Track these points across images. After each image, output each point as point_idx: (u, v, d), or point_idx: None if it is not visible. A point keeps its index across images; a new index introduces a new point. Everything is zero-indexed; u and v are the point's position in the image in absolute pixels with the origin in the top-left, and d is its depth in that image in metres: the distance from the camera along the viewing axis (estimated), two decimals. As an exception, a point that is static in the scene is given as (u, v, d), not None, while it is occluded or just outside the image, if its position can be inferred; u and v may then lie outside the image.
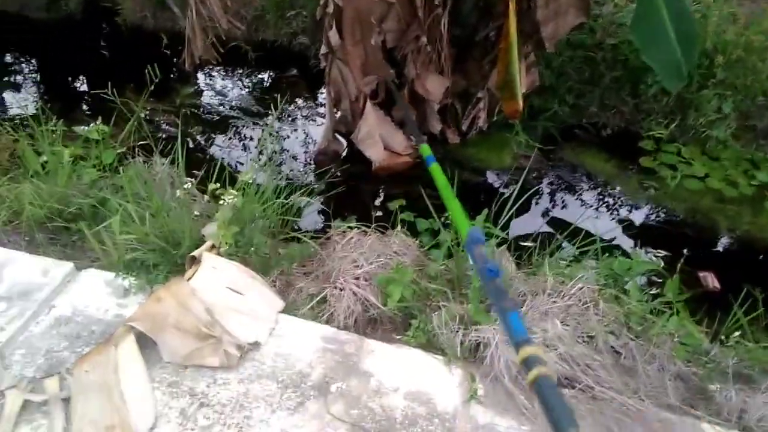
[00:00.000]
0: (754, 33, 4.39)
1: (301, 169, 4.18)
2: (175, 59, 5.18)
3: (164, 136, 4.19)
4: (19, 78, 5.48)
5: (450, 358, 2.22)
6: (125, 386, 1.97)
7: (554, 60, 4.54)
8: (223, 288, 2.36)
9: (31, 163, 2.98)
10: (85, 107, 4.90)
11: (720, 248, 3.83)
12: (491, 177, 4.24)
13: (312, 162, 4.23)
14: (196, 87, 5.35)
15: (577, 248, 2.87)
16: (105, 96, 3.04)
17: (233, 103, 5.04)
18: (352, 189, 3.76)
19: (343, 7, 3.46)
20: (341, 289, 2.45)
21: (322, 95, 5.09)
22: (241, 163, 4.20)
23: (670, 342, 2.31)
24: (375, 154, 3.87)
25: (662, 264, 2.81)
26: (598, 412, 2.09)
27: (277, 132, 4.55)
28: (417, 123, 4.04)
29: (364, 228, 2.82)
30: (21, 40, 6.09)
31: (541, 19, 3.58)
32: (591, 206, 4.02)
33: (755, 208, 3.94)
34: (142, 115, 3.44)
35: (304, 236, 2.77)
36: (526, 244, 3.01)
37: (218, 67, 5.49)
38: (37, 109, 3.22)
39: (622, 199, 4.12)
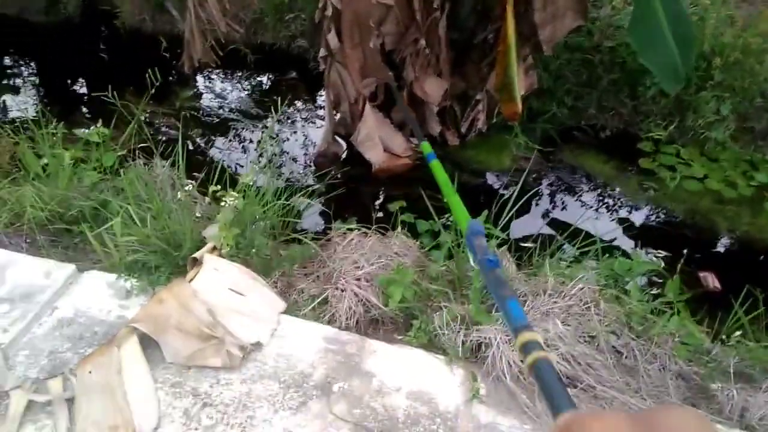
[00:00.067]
0: (751, 35, 4.41)
1: (301, 171, 4.19)
2: (174, 62, 5.19)
3: (164, 138, 4.20)
4: (18, 81, 5.48)
5: (452, 358, 2.22)
6: (128, 387, 1.97)
7: (552, 63, 4.56)
8: (225, 289, 2.37)
9: (32, 165, 2.98)
10: (84, 110, 4.91)
11: (720, 248, 3.85)
12: (491, 178, 4.26)
13: (312, 164, 4.24)
14: (195, 90, 5.36)
15: (578, 249, 2.88)
16: (105, 99, 3.05)
17: (233, 106, 5.05)
18: (352, 191, 3.77)
19: (341, 10, 3.48)
20: (342, 290, 2.45)
21: (322, 98, 5.10)
22: (242, 166, 4.21)
23: (671, 341, 2.32)
24: (374, 156, 3.88)
25: (662, 264, 2.82)
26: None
27: (276, 134, 4.56)
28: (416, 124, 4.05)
29: (364, 229, 2.83)
30: (20, 43, 6.10)
31: (538, 22, 3.59)
32: (591, 207, 4.04)
33: (754, 209, 3.95)
34: (142, 118, 3.44)
35: (305, 238, 2.77)
36: (526, 245, 3.02)
37: (217, 70, 5.50)
38: (37, 112, 3.22)
39: (621, 200, 4.13)
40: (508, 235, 2.99)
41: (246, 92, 5.39)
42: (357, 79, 3.75)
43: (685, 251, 2.68)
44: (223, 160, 4.21)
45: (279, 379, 2.08)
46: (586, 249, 2.83)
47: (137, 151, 3.23)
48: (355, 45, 3.62)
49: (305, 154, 4.41)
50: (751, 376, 2.28)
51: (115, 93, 3.04)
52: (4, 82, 5.38)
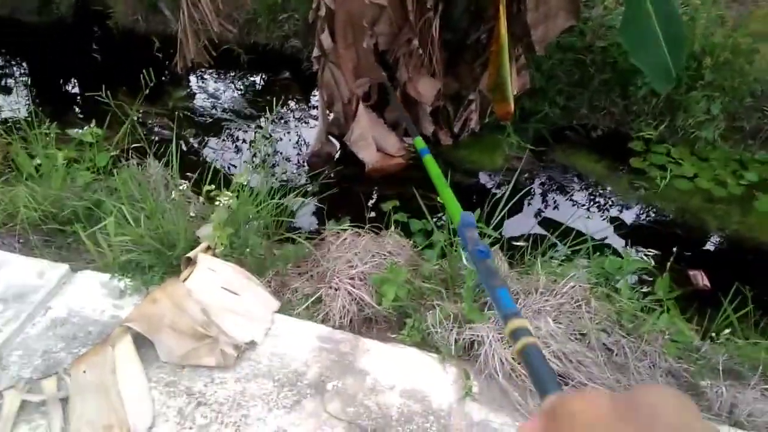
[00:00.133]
0: (741, 36, 4.46)
1: (295, 171, 4.20)
2: (167, 62, 5.18)
3: (158, 138, 4.20)
4: (11, 81, 5.46)
5: (444, 357, 2.24)
6: (123, 386, 1.98)
7: (545, 63, 4.59)
8: (219, 289, 2.38)
9: (25, 166, 2.98)
10: (78, 110, 4.90)
11: (709, 247, 3.89)
12: (483, 178, 4.28)
13: (305, 164, 4.25)
14: (188, 90, 5.36)
15: (569, 248, 2.90)
16: (98, 99, 3.05)
17: (226, 106, 5.05)
18: (346, 190, 3.78)
19: (335, 11, 3.49)
20: (336, 289, 2.47)
21: (315, 98, 5.11)
22: (235, 166, 4.21)
23: (661, 339, 2.35)
24: (368, 155, 3.89)
25: (653, 263, 2.85)
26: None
27: (270, 134, 4.57)
28: (410, 125, 4.07)
29: (358, 229, 2.84)
30: (12, 44, 6.07)
31: (531, 22, 3.62)
32: (582, 206, 4.07)
33: (744, 208, 3.99)
34: (136, 118, 3.44)
35: (299, 237, 2.78)
36: (518, 243, 3.04)
37: (211, 70, 5.50)
38: (30, 113, 3.21)
39: (612, 199, 4.16)
40: (500, 233, 3.01)
41: (239, 92, 5.40)
42: (350, 79, 3.76)
43: (675, 250, 2.70)
44: (217, 160, 4.21)
45: (273, 378, 2.09)
46: (578, 248, 2.85)
47: (131, 151, 3.23)
48: (348, 45, 3.63)
49: (299, 154, 4.42)
50: (740, 373, 2.31)
51: (108, 93, 3.05)
52: (-3, 82, 5.37)
